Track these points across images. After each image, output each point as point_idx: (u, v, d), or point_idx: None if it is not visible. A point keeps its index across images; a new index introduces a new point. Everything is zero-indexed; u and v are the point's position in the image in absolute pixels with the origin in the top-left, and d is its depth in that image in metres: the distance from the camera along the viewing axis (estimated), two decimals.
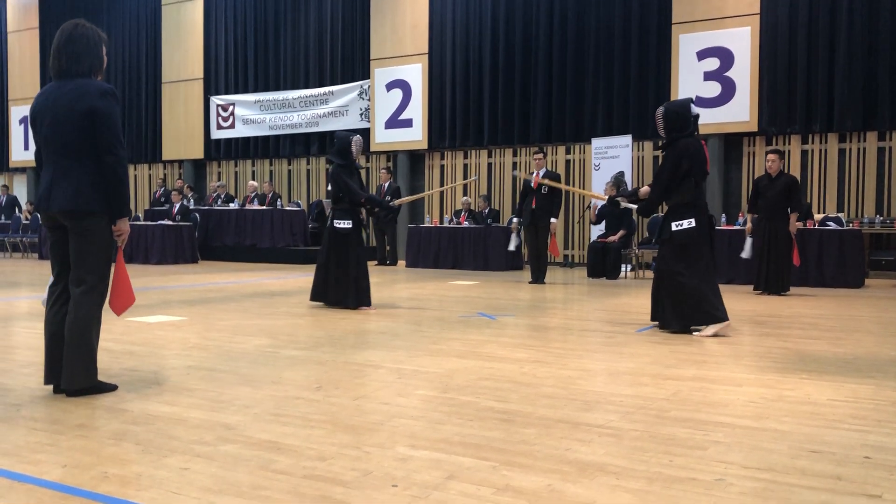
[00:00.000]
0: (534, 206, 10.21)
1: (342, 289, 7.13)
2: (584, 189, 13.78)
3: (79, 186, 3.50)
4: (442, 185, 15.75)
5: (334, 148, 7.40)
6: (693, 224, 5.67)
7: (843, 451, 2.79)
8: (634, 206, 6.33)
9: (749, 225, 9.15)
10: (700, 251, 5.70)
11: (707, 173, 5.93)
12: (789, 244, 8.78)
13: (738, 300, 8.20)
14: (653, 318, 6.01)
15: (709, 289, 5.64)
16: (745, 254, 9.06)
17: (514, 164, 14.82)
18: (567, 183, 14.55)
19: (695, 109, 5.82)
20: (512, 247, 11.43)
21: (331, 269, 7.17)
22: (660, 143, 6.24)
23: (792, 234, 8.77)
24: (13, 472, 2.49)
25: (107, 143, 3.49)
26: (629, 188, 12.88)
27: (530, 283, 10.37)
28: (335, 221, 7.16)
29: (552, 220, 10.35)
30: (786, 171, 10.15)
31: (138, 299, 7.24)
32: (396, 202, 8.15)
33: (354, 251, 7.12)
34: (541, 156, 10.63)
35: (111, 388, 3.68)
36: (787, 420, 3.22)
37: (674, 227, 5.72)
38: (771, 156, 8.97)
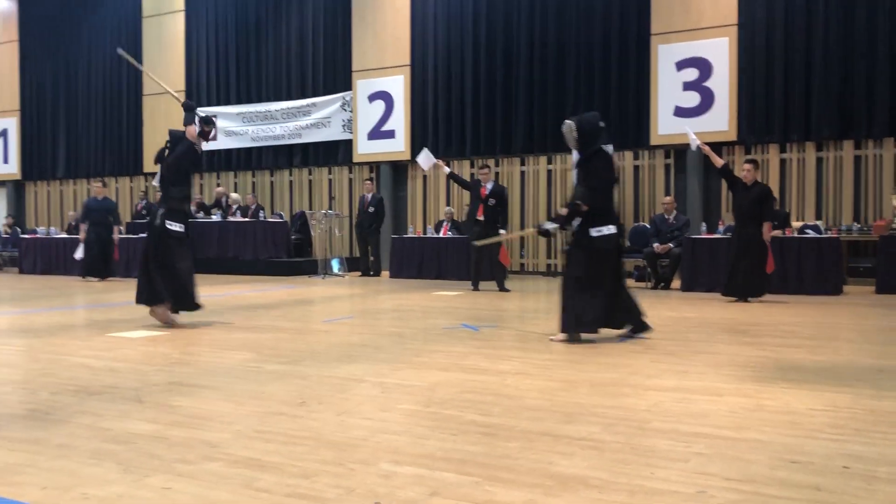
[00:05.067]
0: (481, 217, 10.69)
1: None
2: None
3: None
4: (424, 194, 15.81)
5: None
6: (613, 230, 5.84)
7: (822, 461, 2.82)
8: (556, 225, 6.12)
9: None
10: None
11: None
12: (762, 251, 8.91)
13: (718, 308, 8.26)
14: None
15: (599, 296, 5.74)
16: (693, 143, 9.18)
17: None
18: (549, 191, 14.63)
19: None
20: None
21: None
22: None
23: (767, 242, 8.93)
24: None
25: None
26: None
27: (471, 290, 10.74)
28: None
29: (501, 231, 10.79)
30: (762, 180, 10.28)
31: (120, 314, 7.20)
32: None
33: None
34: (487, 170, 11.22)
35: None
36: (766, 430, 3.25)
37: (594, 234, 5.79)
38: (746, 165, 9.20)
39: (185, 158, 6.82)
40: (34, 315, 7.85)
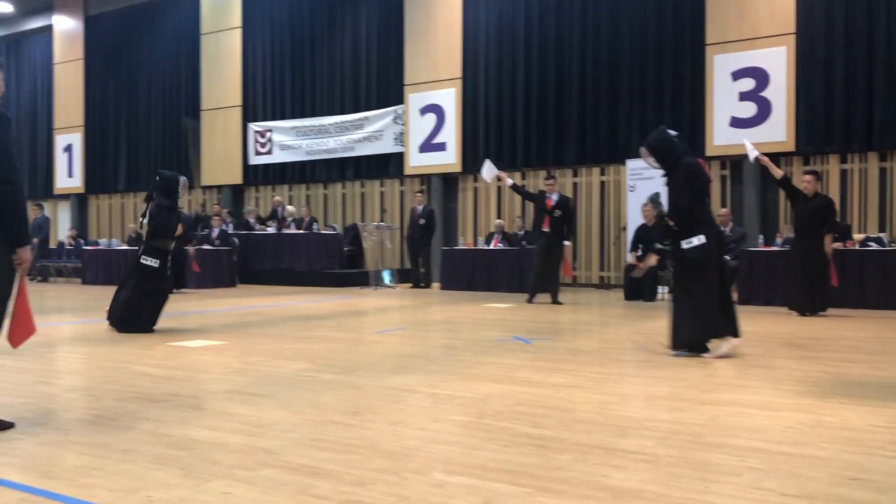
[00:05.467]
0: (547, 228, 10.60)
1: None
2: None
3: None
4: (475, 206, 15.87)
5: None
6: (704, 240, 5.66)
7: (883, 478, 2.75)
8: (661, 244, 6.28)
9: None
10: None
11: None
12: (825, 264, 8.74)
13: (776, 322, 8.10)
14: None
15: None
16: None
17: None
18: (602, 203, 14.53)
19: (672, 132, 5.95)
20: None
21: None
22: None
23: (828, 255, 8.74)
24: (64, 496, 2.57)
25: None
26: (665, 209, 12.82)
27: (528, 301, 10.75)
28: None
29: (565, 242, 10.77)
30: (823, 191, 10.05)
31: (179, 324, 7.39)
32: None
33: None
34: (552, 181, 11.07)
35: (8, 425, 3.49)
36: (825, 446, 3.19)
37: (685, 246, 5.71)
38: (807, 177, 8.99)
39: (169, 219, 7.50)
40: (97, 324, 8.10)
